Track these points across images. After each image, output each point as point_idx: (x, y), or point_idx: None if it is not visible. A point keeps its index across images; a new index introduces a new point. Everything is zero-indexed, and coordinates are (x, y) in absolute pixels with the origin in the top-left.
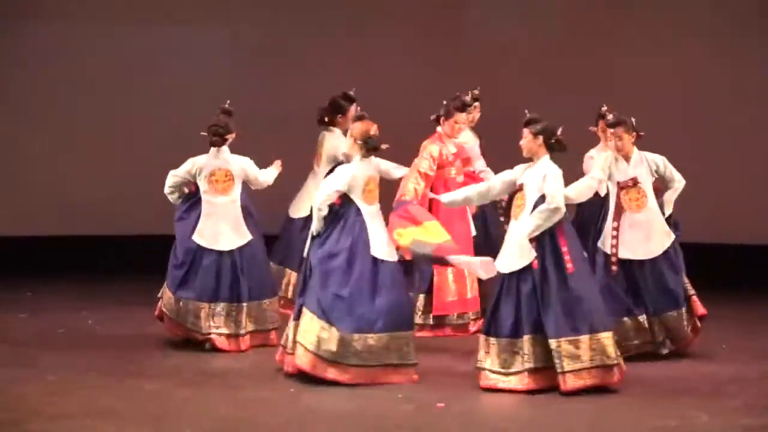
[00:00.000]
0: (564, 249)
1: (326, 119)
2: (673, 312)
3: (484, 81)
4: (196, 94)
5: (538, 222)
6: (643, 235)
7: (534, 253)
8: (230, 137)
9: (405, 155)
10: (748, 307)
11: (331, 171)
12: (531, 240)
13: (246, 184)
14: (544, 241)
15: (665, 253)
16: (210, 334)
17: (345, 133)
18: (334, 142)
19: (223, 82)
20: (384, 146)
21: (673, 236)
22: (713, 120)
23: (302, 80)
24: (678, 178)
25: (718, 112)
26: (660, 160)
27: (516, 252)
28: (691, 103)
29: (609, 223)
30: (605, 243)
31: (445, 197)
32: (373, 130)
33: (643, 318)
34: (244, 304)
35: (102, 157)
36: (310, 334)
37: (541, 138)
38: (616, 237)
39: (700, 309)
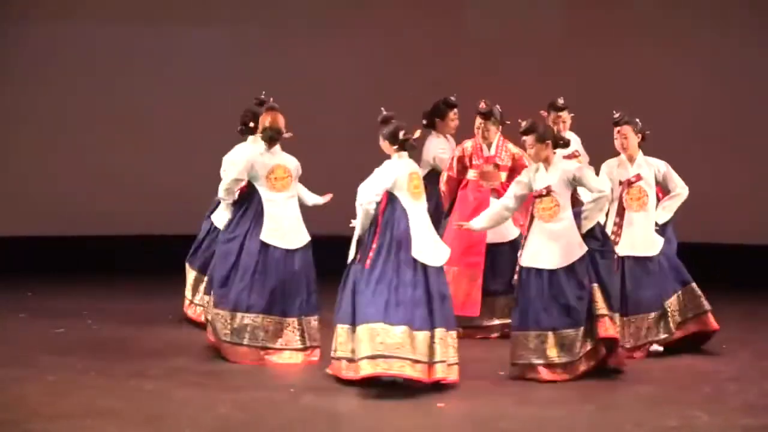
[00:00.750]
0: (373, 245)
1: (426, 122)
2: (570, 330)
3: (483, 80)
4: (196, 93)
5: (358, 221)
6: (549, 245)
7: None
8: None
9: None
10: (748, 307)
11: (428, 175)
12: (358, 239)
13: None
14: (365, 239)
15: (570, 267)
16: (192, 302)
17: (445, 136)
18: (430, 145)
19: (224, 81)
20: (287, 135)
21: (583, 250)
22: (712, 120)
23: (303, 80)
24: (599, 189)
25: (718, 111)
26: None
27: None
28: (691, 103)
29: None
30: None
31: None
32: (269, 121)
33: (532, 333)
34: None
35: (102, 157)
36: (210, 312)
37: (387, 142)
38: (522, 246)
39: (603, 331)
